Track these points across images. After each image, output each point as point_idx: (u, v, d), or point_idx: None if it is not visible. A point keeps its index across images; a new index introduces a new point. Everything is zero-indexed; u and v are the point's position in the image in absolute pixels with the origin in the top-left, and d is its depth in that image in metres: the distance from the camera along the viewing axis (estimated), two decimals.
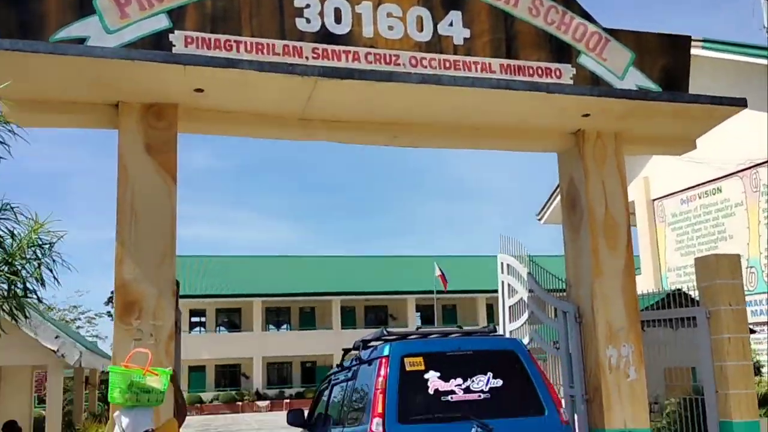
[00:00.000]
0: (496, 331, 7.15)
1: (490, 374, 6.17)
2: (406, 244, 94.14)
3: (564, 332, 8.93)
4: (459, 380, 6.09)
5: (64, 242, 6.10)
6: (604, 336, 8.47)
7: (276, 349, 46.64)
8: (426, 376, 6.06)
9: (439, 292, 42.43)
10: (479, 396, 6.09)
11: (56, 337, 11.91)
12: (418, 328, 7.34)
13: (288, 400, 43.72)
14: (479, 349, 6.49)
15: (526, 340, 9.74)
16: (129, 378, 5.57)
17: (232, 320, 49.91)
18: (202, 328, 49.25)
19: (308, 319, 50.26)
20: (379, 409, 5.81)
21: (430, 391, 6.03)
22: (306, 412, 8.51)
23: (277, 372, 48.95)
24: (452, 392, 6.05)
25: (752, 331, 11.15)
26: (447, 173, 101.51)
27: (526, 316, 10.12)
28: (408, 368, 6.03)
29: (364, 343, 6.96)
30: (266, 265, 49.95)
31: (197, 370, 46.99)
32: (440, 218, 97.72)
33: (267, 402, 44.65)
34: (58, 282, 6.05)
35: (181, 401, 6.07)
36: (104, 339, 52.60)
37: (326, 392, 7.98)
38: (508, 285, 10.72)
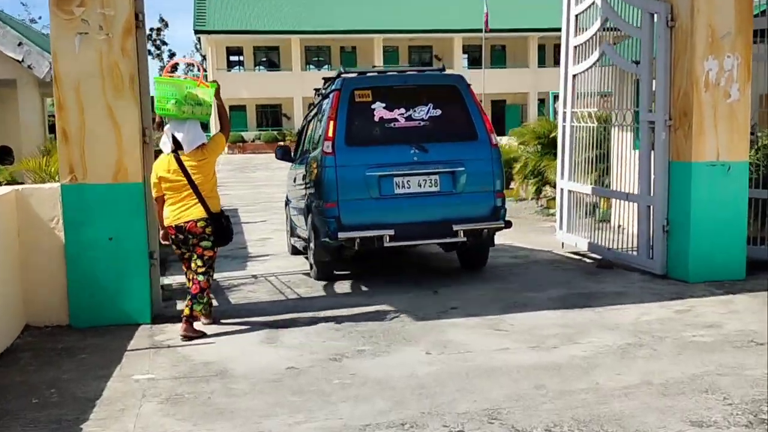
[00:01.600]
0: (445, 70, 7.58)
1: (430, 105, 6.85)
2: None
3: (648, 42, 6.89)
4: (402, 110, 6.81)
5: None
6: (703, 44, 6.45)
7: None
8: (372, 106, 6.79)
9: (486, 31, 39.48)
10: (419, 123, 6.83)
11: (19, 44, 10.10)
12: (373, 67, 9.52)
13: None
14: (423, 83, 7.22)
15: (593, 59, 7.76)
16: (184, 89, 5.38)
17: (270, 58, 48.06)
18: (241, 67, 47.66)
19: (349, 59, 47.98)
20: (330, 134, 6.67)
21: (376, 119, 6.78)
22: (292, 149, 9.18)
23: None
24: (395, 120, 6.80)
25: None
26: None
27: (596, 55, 8.02)
28: (357, 99, 6.76)
29: (325, 81, 7.78)
30: (306, 0, 46.74)
31: (238, 110, 46.16)
32: None
33: None
34: None
35: (224, 116, 5.89)
36: None
37: (305, 128, 8.80)
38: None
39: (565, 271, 7.86)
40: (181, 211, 5.49)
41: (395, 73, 7.64)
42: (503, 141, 25.16)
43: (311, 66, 48.37)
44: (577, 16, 8.50)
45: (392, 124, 6.81)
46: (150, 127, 5.93)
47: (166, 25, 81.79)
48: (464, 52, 47.38)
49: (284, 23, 44.37)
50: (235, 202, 16.73)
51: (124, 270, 5.72)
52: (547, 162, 13.15)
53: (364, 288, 7.31)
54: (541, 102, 46.99)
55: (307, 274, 7.92)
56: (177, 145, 5.50)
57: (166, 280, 8.13)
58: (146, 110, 5.87)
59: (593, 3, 8.07)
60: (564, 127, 8.78)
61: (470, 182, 6.81)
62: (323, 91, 7.72)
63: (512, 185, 15.78)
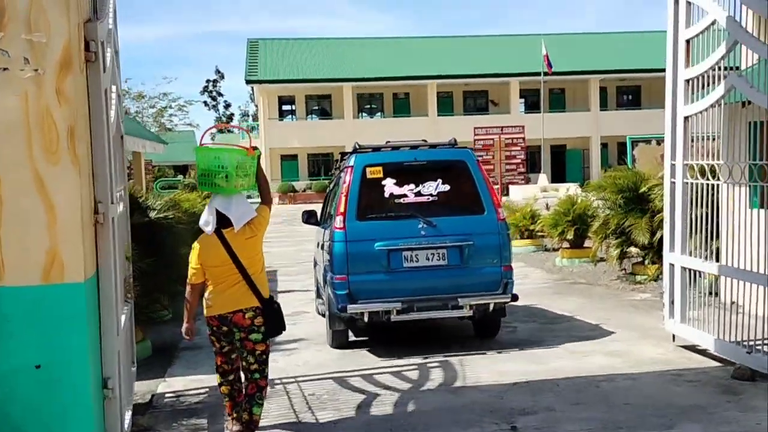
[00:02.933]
0: (456, 144, 7.57)
1: (439, 181, 7.14)
2: (511, 22, 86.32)
3: None
4: (411, 186, 7.12)
5: None
6: None
7: (368, 137, 42.71)
8: (383, 182, 7.12)
9: (546, 74, 37.66)
10: (428, 199, 7.13)
11: None
12: (387, 143, 8.01)
13: None
14: (432, 159, 7.48)
15: (716, 96, 5.77)
16: (235, 159, 4.86)
17: (322, 107, 47.22)
18: (293, 116, 46.88)
19: (402, 106, 46.86)
20: (342, 209, 7.03)
21: (386, 195, 7.13)
22: (319, 212, 8.88)
23: None
24: (404, 195, 7.13)
25: None
26: None
27: (720, 90, 6.05)
28: (368, 176, 7.10)
29: (342, 155, 8.07)
30: (357, 48, 45.85)
31: (289, 159, 45.23)
32: None
33: None
34: None
35: (265, 185, 5.30)
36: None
37: (329, 194, 8.85)
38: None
39: (690, 386, 5.72)
40: (227, 300, 4.89)
41: (408, 148, 7.73)
42: (570, 191, 23.21)
43: (364, 114, 47.43)
44: (688, 41, 6.54)
45: (401, 200, 7.11)
46: (107, 200, 4.19)
47: (222, 77, 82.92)
48: (521, 96, 45.70)
49: (336, 71, 43.55)
50: (276, 261, 15.03)
51: (60, 411, 3.91)
52: (633, 220, 11.06)
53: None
54: (604, 146, 44.73)
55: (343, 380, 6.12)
56: (220, 223, 4.88)
57: (161, 387, 6.35)
58: (101, 178, 4.15)
59: (713, 23, 6.11)
60: (673, 184, 6.76)
61: (477, 256, 7.03)
62: (340, 165, 7.96)
63: (588, 244, 13.70)
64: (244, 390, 5.04)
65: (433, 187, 7.11)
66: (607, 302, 9.88)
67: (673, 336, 6.92)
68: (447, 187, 7.13)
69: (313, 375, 6.54)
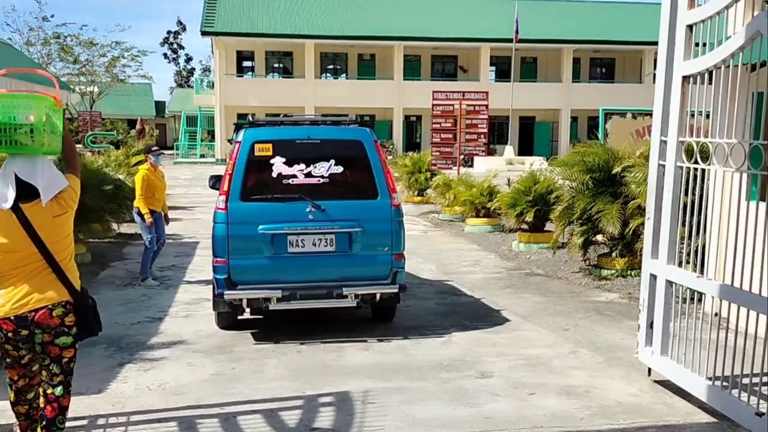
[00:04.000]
0: (360, 122, 7.23)
1: (332, 161, 6.72)
2: None
3: None
4: (302, 166, 6.68)
5: None
6: None
7: (330, 99, 41.31)
8: (272, 161, 6.66)
9: (513, 41, 35.95)
10: (318, 180, 6.70)
11: None
12: (285, 115, 7.65)
13: None
14: (327, 138, 6.97)
15: (731, 48, 3.99)
16: (43, 109, 3.79)
17: (283, 65, 44.90)
18: (252, 73, 44.51)
19: (367, 68, 44.74)
20: (225, 188, 6.56)
21: (273, 175, 6.67)
22: None
23: None
24: (294, 176, 6.67)
25: None
26: None
27: (740, 38, 4.26)
28: (257, 153, 6.64)
29: (236, 128, 7.29)
30: (322, 3, 43.41)
31: (245, 118, 42.93)
32: None
33: None
34: None
35: (74, 150, 4.21)
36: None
37: None
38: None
39: None
40: (25, 295, 3.76)
41: (308, 123, 7.29)
42: (535, 165, 21.54)
43: (327, 74, 45.16)
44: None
45: (290, 180, 6.69)
46: None
47: (184, 29, 79.19)
48: (492, 64, 43.83)
49: (299, 27, 41.13)
50: (201, 231, 13.23)
51: None
52: (602, 206, 9.39)
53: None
54: (574, 120, 43.23)
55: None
56: (20, 195, 3.73)
57: None
58: None
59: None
60: (662, 168, 5.01)
61: (366, 243, 6.70)
62: (233, 137, 7.22)
63: (549, 227, 12.05)
64: (41, 412, 3.94)
65: (324, 168, 6.70)
66: (566, 303, 8.23)
67: (649, 370, 5.24)
68: (340, 169, 6.75)
69: (158, 410, 4.74)
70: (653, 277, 5.09)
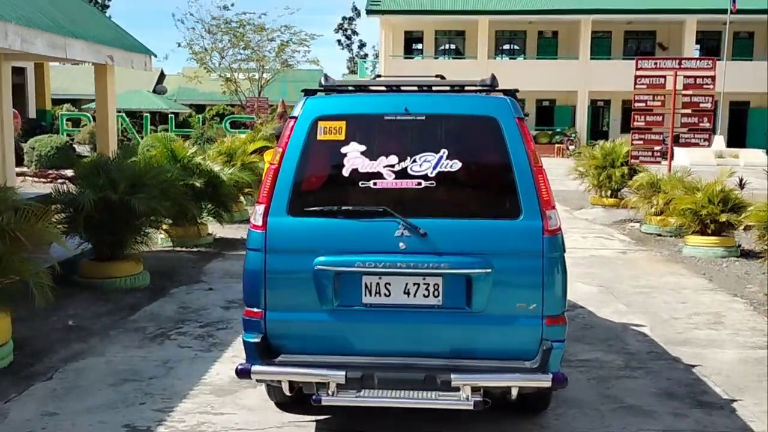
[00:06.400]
0: (494, 87, 4.39)
1: (444, 152, 4.17)
2: None
3: None
4: (393, 158, 4.19)
5: None
6: None
7: (506, 82, 37.19)
8: (344, 149, 4.22)
9: (731, 11, 30.31)
10: (419, 184, 4.18)
11: None
12: (377, 77, 5.78)
13: None
14: (437, 112, 4.30)
15: None
16: None
17: (455, 45, 41.59)
18: (421, 55, 41.78)
19: (548, 46, 40.30)
20: (265, 192, 4.23)
21: (345, 173, 4.22)
22: None
23: None
24: (377, 176, 4.19)
25: None
26: None
27: None
28: (320, 136, 4.26)
29: (306, 93, 4.70)
30: None
31: None
32: None
33: None
34: None
35: None
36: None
37: None
38: None
39: None
40: None
41: (412, 87, 4.51)
42: (751, 159, 16.20)
43: (502, 55, 41.25)
44: None
45: (371, 183, 4.16)
46: None
47: (359, 14, 77.69)
48: (697, 41, 37.64)
49: (471, 2, 37.56)
50: None
51: None
52: None
53: None
54: None
55: None
56: None
57: None
58: None
59: None
60: None
61: (498, 294, 4.04)
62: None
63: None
64: None
65: (430, 164, 4.09)
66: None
67: None
68: (456, 165, 4.10)
69: None
70: None
